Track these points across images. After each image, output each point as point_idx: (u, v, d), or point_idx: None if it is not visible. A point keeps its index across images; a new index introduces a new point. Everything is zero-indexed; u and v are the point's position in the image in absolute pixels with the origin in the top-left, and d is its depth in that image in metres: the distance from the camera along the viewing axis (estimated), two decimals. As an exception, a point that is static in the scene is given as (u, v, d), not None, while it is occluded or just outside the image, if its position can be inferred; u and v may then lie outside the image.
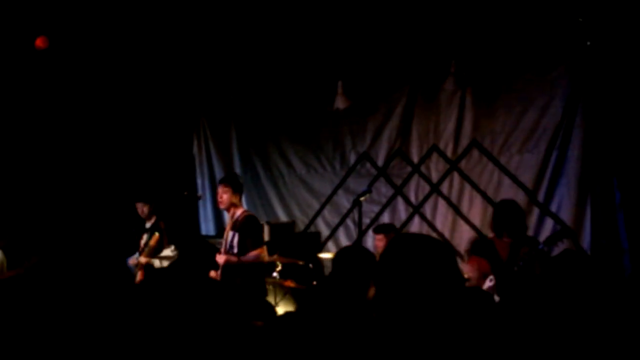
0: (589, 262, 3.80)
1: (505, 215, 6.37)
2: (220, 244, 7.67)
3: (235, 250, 7.28)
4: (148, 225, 8.66)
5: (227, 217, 7.84)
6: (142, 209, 8.69)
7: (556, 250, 6.48)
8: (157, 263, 8.15)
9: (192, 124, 10.67)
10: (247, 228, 7.31)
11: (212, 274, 7.41)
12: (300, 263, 8.38)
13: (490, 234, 6.59)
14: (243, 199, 10.19)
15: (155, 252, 8.17)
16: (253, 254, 7.20)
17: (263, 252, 7.32)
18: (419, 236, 2.70)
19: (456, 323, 2.45)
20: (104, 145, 9.53)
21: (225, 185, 7.49)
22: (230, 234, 7.40)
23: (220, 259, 7.28)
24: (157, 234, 8.11)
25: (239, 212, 7.47)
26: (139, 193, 8.72)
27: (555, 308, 3.33)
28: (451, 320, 2.44)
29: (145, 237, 8.50)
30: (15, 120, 8.73)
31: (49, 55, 8.21)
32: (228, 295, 3.94)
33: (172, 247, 8.26)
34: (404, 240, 2.69)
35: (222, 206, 7.51)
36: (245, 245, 7.23)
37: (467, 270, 6.77)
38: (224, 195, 7.38)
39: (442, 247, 2.59)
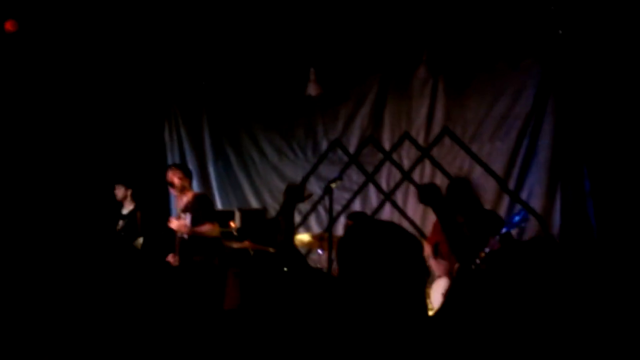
0: (558, 250, 3.81)
1: (457, 194, 6.38)
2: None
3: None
4: (125, 212, 8.60)
5: (176, 203, 7.86)
6: (121, 192, 8.60)
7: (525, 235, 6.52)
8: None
9: (164, 110, 10.58)
10: (199, 206, 7.38)
11: (170, 258, 7.43)
12: (272, 250, 8.36)
13: None
14: (214, 185, 10.26)
15: None
16: (205, 226, 7.27)
17: (215, 226, 7.38)
18: (386, 223, 2.68)
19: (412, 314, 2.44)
20: (74, 130, 9.42)
21: (175, 168, 7.57)
22: (182, 215, 7.43)
23: (173, 224, 7.32)
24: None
25: (189, 195, 7.53)
26: (118, 176, 8.67)
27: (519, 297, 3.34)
28: (407, 311, 2.44)
29: (121, 223, 8.44)
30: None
31: (17, 38, 8.12)
32: (188, 278, 3.94)
33: (142, 240, 8.22)
34: (371, 225, 2.68)
35: (174, 191, 7.53)
36: (198, 222, 7.31)
37: (434, 266, 6.82)
38: (175, 179, 7.43)
39: (410, 238, 2.58)
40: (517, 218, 6.04)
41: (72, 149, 9.31)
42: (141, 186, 8.84)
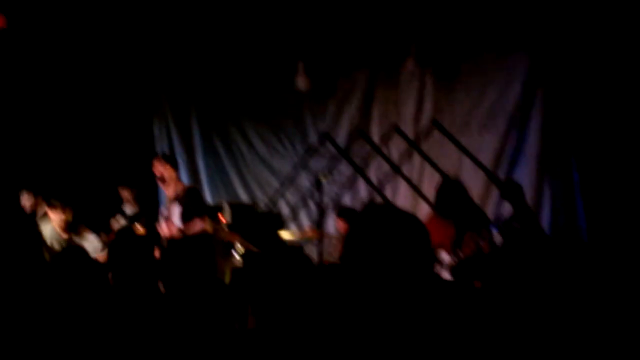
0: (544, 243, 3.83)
1: (450, 194, 6.42)
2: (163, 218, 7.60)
3: (178, 223, 7.28)
4: (128, 211, 8.57)
5: (164, 196, 7.80)
6: (124, 193, 8.58)
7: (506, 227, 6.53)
8: None
9: (153, 105, 10.56)
10: (189, 200, 7.31)
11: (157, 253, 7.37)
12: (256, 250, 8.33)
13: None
14: (204, 179, 10.24)
15: None
16: (197, 224, 7.20)
17: (206, 222, 7.32)
18: (400, 211, 2.66)
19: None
20: (61, 125, 9.40)
21: (163, 160, 7.48)
22: (169, 208, 7.37)
23: (165, 229, 7.24)
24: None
25: (178, 187, 7.46)
26: (122, 177, 8.61)
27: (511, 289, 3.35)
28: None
29: (120, 219, 8.40)
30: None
31: (6, 33, 8.08)
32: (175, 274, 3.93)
33: None
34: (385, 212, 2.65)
35: (162, 183, 7.44)
36: (189, 217, 7.23)
37: None
38: (163, 170, 7.35)
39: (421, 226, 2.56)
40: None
41: (60, 144, 9.29)
42: (135, 183, 8.83)
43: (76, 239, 7.35)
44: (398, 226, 2.50)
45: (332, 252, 8.17)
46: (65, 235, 7.35)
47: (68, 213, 7.33)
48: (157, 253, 7.30)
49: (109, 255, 4.08)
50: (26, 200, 8.15)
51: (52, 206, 7.34)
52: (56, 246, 7.28)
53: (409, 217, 2.57)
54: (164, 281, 3.97)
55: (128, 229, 7.70)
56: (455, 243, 6.22)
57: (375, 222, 2.52)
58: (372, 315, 2.42)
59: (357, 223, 2.57)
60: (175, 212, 7.37)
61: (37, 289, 3.92)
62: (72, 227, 7.38)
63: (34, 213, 8.16)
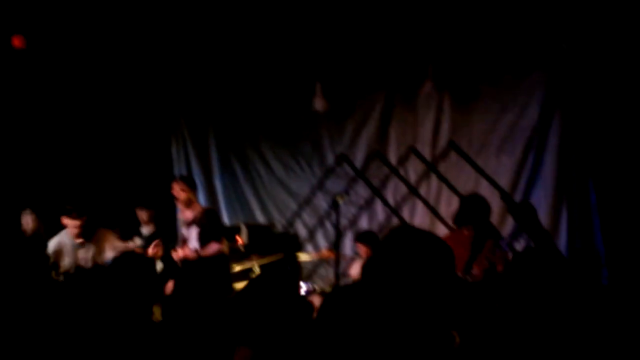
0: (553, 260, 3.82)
1: (471, 207, 6.47)
2: (181, 240, 7.64)
3: (196, 244, 7.30)
4: (145, 232, 8.59)
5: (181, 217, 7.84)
6: (142, 214, 8.61)
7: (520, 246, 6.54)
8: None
9: (171, 126, 10.60)
10: (207, 221, 7.35)
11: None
12: (280, 256, 8.34)
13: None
14: (221, 200, 10.26)
15: None
16: (213, 246, 7.23)
17: (223, 245, 7.35)
18: (425, 233, 2.65)
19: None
20: (81, 149, 9.46)
21: (180, 181, 7.55)
22: (187, 230, 7.41)
23: (177, 254, 7.28)
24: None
25: (197, 208, 7.51)
26: (139, 198, 8.64)
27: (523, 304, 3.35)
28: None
29: (137, 239, 8.42)
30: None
31: (26, 55, 8.16)
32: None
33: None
34: (411, 234, 2.65)
35: (180, 204, 7.51)
36: (206, 238, 7.26)
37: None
38: (182, 193, 7.42)
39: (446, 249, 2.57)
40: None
41: (78, 165, 9.35)
42: (153, 205, 8.86)
43: (94, 244, 7.33)
44: (426, 248, 2.51)
45: (348, 272, 8.16)
46: (79, 240, 7.32)
47: (83, 218, 7.31)
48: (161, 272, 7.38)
49: (109, 271, 4.11)
50: (29, 221, 8.08)
51: (66, 212, 7.32)
52: (73, 252, 7.27)
53: (434, 239, 2.57)
54: (177, 301, 4.00)
55: (132, 253, 7.67)
56: (468, 264, 6.22)
57: (402, 244, 2.53)
58: (402, 336, 2.43)
59: (383, 246, 2.57)
60: (193, 233, 7.41)
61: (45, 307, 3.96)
62: (87, 233, 7.35)
63: (36, 234, 8.08)
